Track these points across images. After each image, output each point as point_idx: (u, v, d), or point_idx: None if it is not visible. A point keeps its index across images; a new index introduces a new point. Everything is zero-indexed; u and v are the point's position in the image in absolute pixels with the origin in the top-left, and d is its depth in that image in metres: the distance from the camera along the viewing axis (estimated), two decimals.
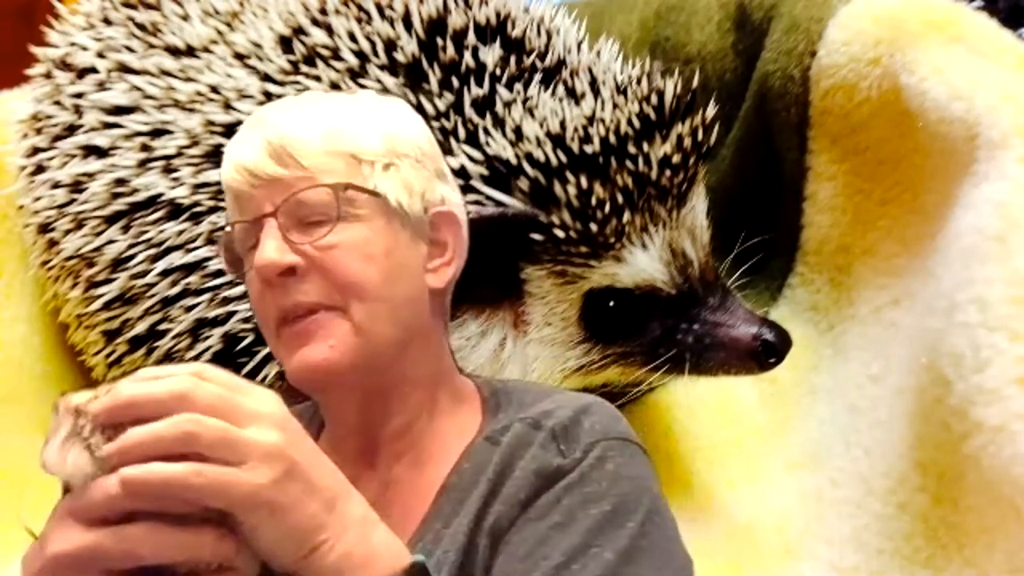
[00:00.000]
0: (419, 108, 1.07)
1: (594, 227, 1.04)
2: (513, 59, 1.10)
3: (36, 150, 1.31)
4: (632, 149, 1.06)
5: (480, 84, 1.08)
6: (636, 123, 1.06)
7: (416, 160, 0.80)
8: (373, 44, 1.12)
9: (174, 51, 1.23)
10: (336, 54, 1.12)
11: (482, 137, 1.05)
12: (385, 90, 1.08)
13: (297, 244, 0.74)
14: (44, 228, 1.29)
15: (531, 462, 0.74)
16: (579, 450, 0.74)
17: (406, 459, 0.80)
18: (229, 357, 1.10)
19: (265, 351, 1.08)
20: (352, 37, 1.13)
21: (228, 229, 0.79)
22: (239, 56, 1.18)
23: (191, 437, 0.57)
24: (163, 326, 1.16)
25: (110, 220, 1.19)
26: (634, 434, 0.78)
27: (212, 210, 1.13)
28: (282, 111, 0.79)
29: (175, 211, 1.14)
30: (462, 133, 1.06)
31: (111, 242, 1.19)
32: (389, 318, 0.76)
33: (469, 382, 0.85)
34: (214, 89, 1.17)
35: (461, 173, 1.04)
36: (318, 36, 1.14)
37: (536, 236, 1.04)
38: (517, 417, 0.78)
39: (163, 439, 0.57)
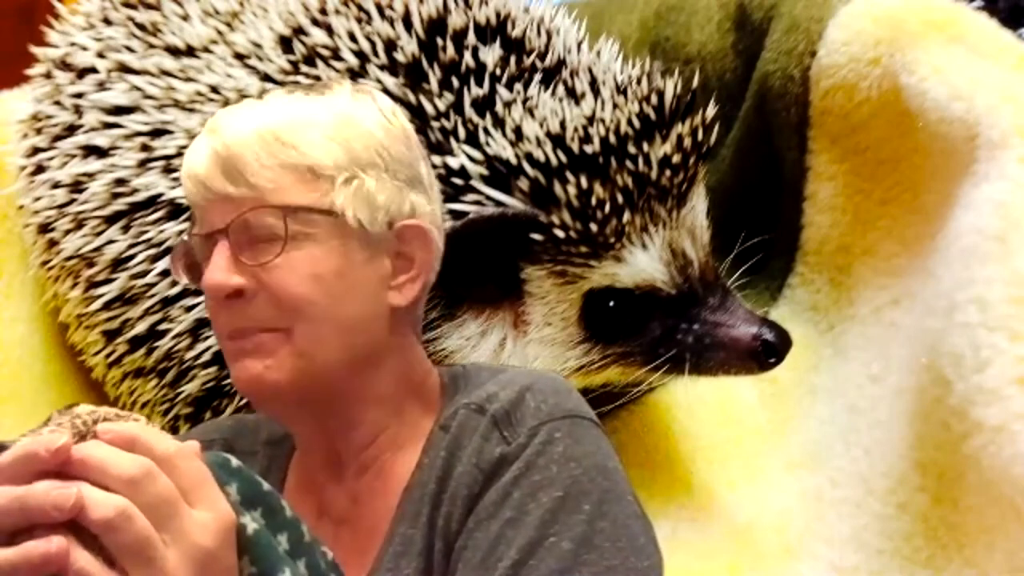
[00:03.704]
0: (419, 108, 1.07)
1: (594, 227, 1.04)
2: (513, 59, 1.10)
3: (36, 150, 1.31)
4: (632, 149, 1.06)
5: (480, 84, 1.08)
6: (636, 123, 1.06)
7: (384, 170, 0.77)
8: (373, 44, 1.11)
9: (174, 51, 1.23)
10: (336, 54, 1.12)
11: (482, 137, 1.05)
12: (385, 90, 1.08)
13: (246, 264, 0.73)
14: (44, 228, 1.29)
15: (473, 455, 0.72)
16: (523, 434, 0.71)
17: (372, 470, 0.79)
18: None
19: None
20: (352, 37, 1.12)
21: (186, 237, 0.78)
22: (239, 56, 1.18)
23: (110, 528, 0.55)
24: (163, 326, 1.15)
25: (110, 220, 1.19)
26: (585, 408, 0.76)
27: None
28: (237, 119, 0.76)
29: (175, 211, 1.14)
30: (462, 133, 1.06)
31: (111, 242, 1.19)
32: (335, 340, 0.74)
33: (437, 378, 0.83)
34: (214, 89, 1.17)
35: (461, 173, 1.04)
36: (318, 36, 1.14)
37: (536, 236, 1.04)
38: (463, 402, 0.76)
39: (89, 514, 0.55)
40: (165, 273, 1.14)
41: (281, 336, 0.73)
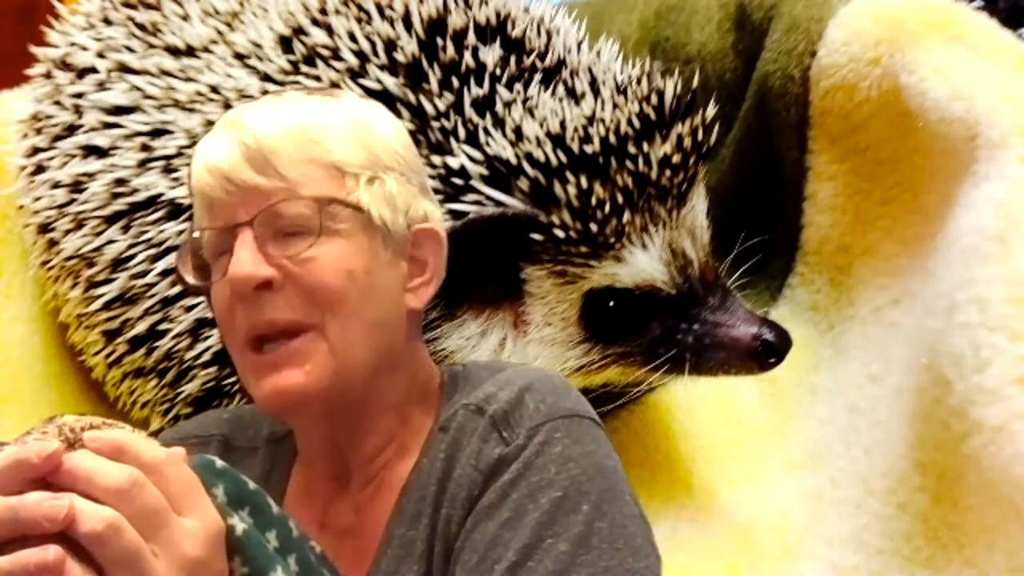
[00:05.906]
0: (419, 108, 1.07)
1: (594, 227, 1.04)
2: (513, 59, 1.10)
3: (36, 150, 1.31)
4: (632, 149, 1.06)
5: (480, 84, 1.08)
6: (636, 123, 1.06)
7: (400, 174, 0.78)
8: (373, 44, 1.11)
9: (174, 51, 1.23)
10: (336, 54, 1.12)
11: (482, 137, 1.05)
12: (385, 90, 1.08)
13: (273, 257, 0.72)
14: (44, 228, 1.29)
15: (472, 457, 0.72)
16: (522, 435, 0.71)
17: (377, 480, 0.78)
18: (229, 357, 1.10)
19: None
20: (352, 37, 1.12)
21: (195, 234, 0.76)
22: (239, 56, 1.18)
23: (99, 541, 0.55)
24: (163, 326, 1.16)
25: (110, 220, 1.19)
26: (585, 406, 0.76)
27: None
28: (261, 113, 0.76)
29: (175, 211, 1.14)
30: (462, 133, 1.06)
31: (111, 242, 1.19)
32: (364, 339, 0.74)
33: (437, 378, 0.83)
34: (214, 89, 1.17)
35: (461, 173, 1.04)
36: (318, 36, 1.14)
37: (536, 236, 1.04)
38: (462, 402, 0.76)
39: (78, 527, 0.55)
40: (165, 273, 1.14)
41: (313, 335, 0.72)
